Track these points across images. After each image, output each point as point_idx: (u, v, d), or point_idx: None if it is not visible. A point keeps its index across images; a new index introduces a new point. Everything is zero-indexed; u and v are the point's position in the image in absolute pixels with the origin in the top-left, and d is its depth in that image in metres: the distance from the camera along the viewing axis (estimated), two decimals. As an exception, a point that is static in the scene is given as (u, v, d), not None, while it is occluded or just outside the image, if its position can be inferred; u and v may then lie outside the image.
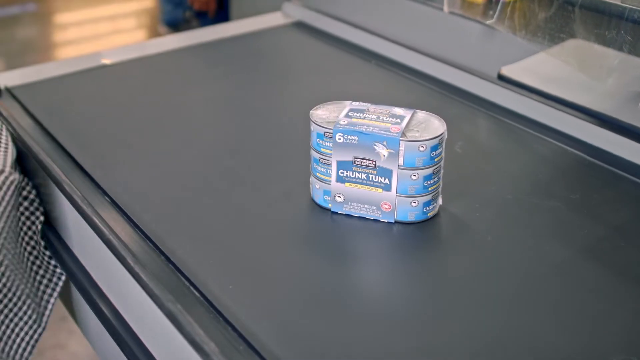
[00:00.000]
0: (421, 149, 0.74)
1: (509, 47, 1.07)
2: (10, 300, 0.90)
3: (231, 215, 0.80)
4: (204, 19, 2.68)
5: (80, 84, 1.13)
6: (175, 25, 3.10)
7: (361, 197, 0.78)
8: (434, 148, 0.75)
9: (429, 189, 0.76)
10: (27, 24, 3.80)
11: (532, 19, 1.00)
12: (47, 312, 0.96)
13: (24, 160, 0.98)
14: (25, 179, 0.94)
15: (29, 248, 0.94)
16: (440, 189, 0.78)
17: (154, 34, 3.36)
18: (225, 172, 0.88)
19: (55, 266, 0.97)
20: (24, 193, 0.94)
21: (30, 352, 0.93)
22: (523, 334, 0.63)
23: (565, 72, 1.02)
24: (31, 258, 0.94)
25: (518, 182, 0.86)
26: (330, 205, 0.80)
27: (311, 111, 0.81)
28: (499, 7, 1.03)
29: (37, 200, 0.95)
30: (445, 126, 0.76)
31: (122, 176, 0.87)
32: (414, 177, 0.75)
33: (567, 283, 0.70)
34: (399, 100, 1.03)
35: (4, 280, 0.88)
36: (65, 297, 1.06)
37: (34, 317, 0.93)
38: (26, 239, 0.94)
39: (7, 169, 0.88)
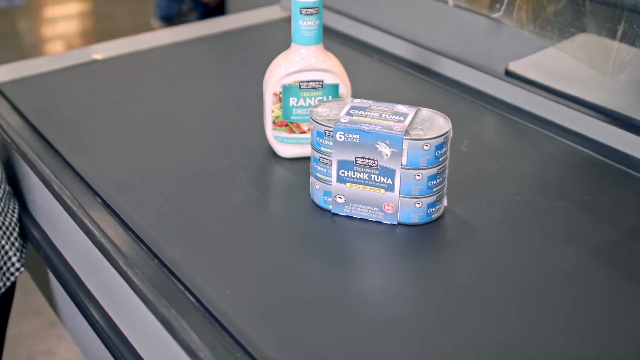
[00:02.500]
0: (425, 148, 0.74)
1: (516, 42, 1.07)
2: None
3: (227, 216, 0.80)
4: (204, 7, 2.70)
5: (70, 80, 1.12)
6: (169, 20, 3.11)
7: (363, 198, 0.78)
8: (439, 147, 0.74)
9: (434, 189, 0.76)
10: (15, 18, 3.80)
11: (541, 12, 1.00)
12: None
13: (10, 159, 0.98)
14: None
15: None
16: (445, 190, 0.78)
17: (147, 28, 3.36)
18: (221, 172, 0.88)
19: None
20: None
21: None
22: (531, 340, 0.63)
23: (575, 67, 1.02)
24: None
25: (526, 182, 0.86)
26: (330, 206, 0.80)
27: (311, 109, 0.80)
28: (505, 0, 1.03)
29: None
30: (450, 124, 0.76)
31: (114, 176, 0.87)
32: (417, 177, 0.75)
33: (577, 287, 0.69)
34: (402, 97, 1.03)
35: None
36: (55, 302, 1.06)
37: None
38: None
39: None
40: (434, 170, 0.75)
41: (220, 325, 0.65)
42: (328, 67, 0.85)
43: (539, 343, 0.63)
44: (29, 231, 0.98)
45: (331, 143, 0.77)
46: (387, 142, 0.74)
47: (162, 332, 0.66)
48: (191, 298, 0.68)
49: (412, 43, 1.17)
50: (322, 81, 0.85)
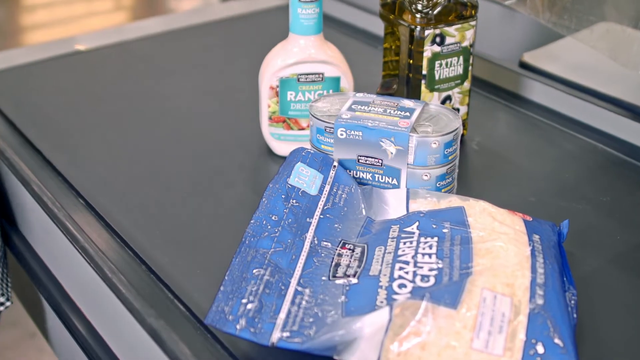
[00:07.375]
0: (433, 145, 0.74)
1: (531, 31, 1.07)
2: None
3: (221, 220, 0.80)
4: None
5: (51, 73, 1.13)
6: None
7: (366, 200, 0.78)
8: (448, 145, 0.75)
9: (442, 190, 0.76)
10: (-8, 5, 3.80)
11: (558, -1, 1.00)
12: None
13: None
14: None
15: None
16: (454, 191, 0.78)
17: (133, 16, 3.36)
18: (214, 171, 0.88)
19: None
20: None
21: None
22: (548, 353, 0.63)
23: (594, 59, 1.02)
24: None
25: (542, 182, 0.86)
26: (331, 208, 0.80)
27: (310, 103, 0.81)
28: (520, -13, 1.03)
29: None
30: (460, 120, 0.76)
31: (98, 176, 0.87)
32: (425, 178, 0.75)
33: (596, 296, 0.69)
34: (409, 90, 1.02)
35: None
36: (34, 312, 1.06)
37: None
38: None
39: None
40: (442, 170, 0.75)
41: (212, 337, 0.65)
42: (329, 59, 0.85)
43: (555, 356, 0.63)
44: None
45: (332, 140, 0.77)
46: (392, 139, 0.74)
47: (150, 343, 0.66)
48: (181, 307, 0.68)
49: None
50: (322, 74, 0.86)
